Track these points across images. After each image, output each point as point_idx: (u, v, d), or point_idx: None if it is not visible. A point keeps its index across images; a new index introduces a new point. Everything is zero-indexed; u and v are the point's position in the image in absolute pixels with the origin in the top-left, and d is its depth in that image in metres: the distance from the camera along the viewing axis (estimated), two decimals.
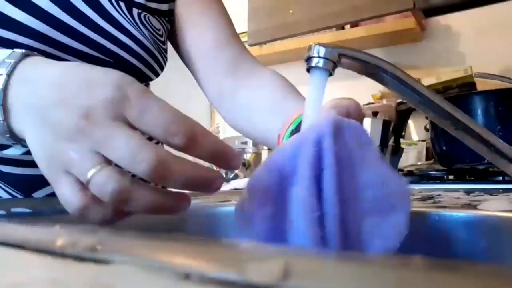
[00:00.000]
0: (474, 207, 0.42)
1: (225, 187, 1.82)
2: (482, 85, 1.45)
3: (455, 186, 0.91)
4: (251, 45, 1.62)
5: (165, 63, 0.66)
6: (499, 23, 1.74)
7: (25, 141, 0.32)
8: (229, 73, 0.66)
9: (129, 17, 0.59)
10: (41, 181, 0.51)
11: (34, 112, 0.30)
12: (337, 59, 0.47)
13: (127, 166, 0.25)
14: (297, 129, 0.48)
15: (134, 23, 0.59)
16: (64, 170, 0.28)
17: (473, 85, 1.46)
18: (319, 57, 0.47)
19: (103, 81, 0.28)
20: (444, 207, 0.43)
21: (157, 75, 0.65)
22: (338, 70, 0.48)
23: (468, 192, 0.61)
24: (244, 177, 1.88)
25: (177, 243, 0.17)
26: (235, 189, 1.75)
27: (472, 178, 1.01)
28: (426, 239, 0.41)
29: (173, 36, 0.68)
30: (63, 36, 0.51)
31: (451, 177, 1.04)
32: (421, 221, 0.41)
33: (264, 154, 1.74)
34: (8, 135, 0.33)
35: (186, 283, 0.14)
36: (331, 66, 0.47)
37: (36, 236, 0.21)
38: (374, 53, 0.49)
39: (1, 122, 0.32)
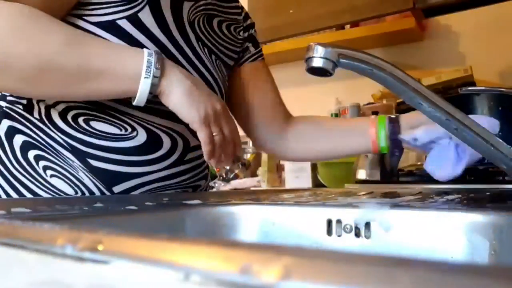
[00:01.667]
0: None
1: (225, 187, 1.82)
2: (482, 85, 1.45)
3: (455, 186, 0.91)
4: None
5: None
6: (499, 23, 1.74)
7: (156, 97, 0.59)
8: (273, 124, 0.87)
9: (210, 59, 0.75)
10: (122, 177, 0.64)
11: (186, 89, 0.59)
12: (337, 59, 0.47)
13: (227, 135, 0.64)
14: (389, 130, 0.74)
15: (213, 64, 0.75)
16: (205, 123, 0.60)
17: (473, 85, 1.46)
18: (319, 57, 0.47)
19: (216, 96, 0.64)
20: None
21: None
22: (338, 70, 0.49)
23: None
24: (244, 177, 1.88)
25: (177, 243, 0.17)
26: (235, 189, 1.75)
27: (472, 178, 1.01)
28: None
29: (233, 87, 0.86)
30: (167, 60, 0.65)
31: None
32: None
33: (264, 154, 1.75)
34: (153, 89, 0.57)
35: (186, 283, 0.14)
36: (331, 66, 0.47)
37: (36, 236, 0.21)
38: (374, 53, 0.49)
39: (157, 78, 0.57)
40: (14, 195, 0.63)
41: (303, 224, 0.46)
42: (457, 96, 0.95)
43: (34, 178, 0.63)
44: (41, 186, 0.63)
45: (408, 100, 0.51)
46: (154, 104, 0.64)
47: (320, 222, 0.45)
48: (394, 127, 0.73)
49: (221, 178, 1.90)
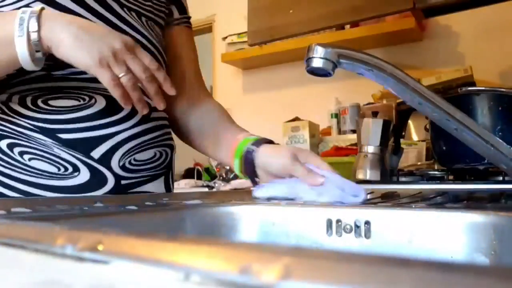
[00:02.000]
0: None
1: (225, 187, 1.82)
2: (482, 85, 1.45)
3: (455, 186, 0.91)
4: (251, 45, 1.63)
5: (166, 62, 0.80)
6: (499, 23, 1.74)
7: (45, 51, 0.56)
8: (183, 97, 0.83)
9: (138, 21, 0.73)
10: (95, 142, 0.66)
11: (73, 33, 0.55)
12: (337, 59, 0.47)
13: (137, 73, 0.58)
14: (242, 157, 0.67)
15: (144, 26, 0.74)
16: (104, 65, 0.55)
17: (473, 85, 1.46)
18: (319, 57, 0.47)
19: (116, 34, 0.59)
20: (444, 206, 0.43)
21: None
22: (338, 70, 0.49)
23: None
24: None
25: (177, 243, 0.17)
26: (235, 189, 1.75)
27: (472, 178, 1.01)
28: None
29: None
30: None
31: (451, 177, 1.04)
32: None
33: None
34: (37, 43, 0.55)
35: (186, 283, 0.14)
36: (331, 66, 0.47)
37: (36, 236, 0.21)
38: (374, 53, 0.49)
39: (37, 33, 0.54)
40: None
41: (303, 224, 0.46)
42: (457, 96, 0.95)
43: (14, 165, 0.64)
44: (23, 171, 0.64)
45: (408, 100, 0.51)
46: None
47: (320, 222, 0.45)
48: (248, 159, 0.67)
49: (221, 178, 1.90)
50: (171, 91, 0.63)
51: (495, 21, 1.74)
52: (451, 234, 0.40)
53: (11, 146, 0.64)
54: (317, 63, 0.47)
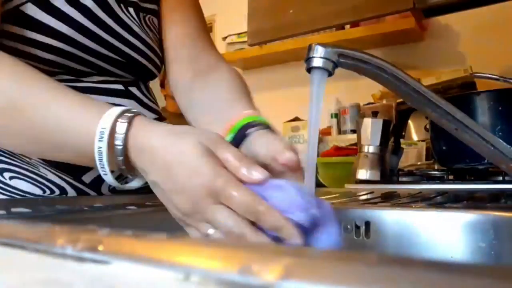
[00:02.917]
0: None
1: None
2: (482, 85, 1.45)
3: (455, 186, 0.91)
4: (251, 45, 1.62)
5: (163, 59, 0.72)
6: (499, 23, 1.74)
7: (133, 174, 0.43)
8: (189, 67, 0.69)
9: (137, 20, 0.66)
10: (85, 166, 0.56)
11: (151, 182, 0.41)
12: (337, 59, 0.47)
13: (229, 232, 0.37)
14: (235, 137, 0.52)
15: (141, 26, 0.67)
16: (188, 224, 0.40)
17: (473, 85, 1.46)
18: (319, 57, 0.47)
19: (201, 170, 0.37)
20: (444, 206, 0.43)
21: (159, 70, 0.71)
22: (338, 70, 0.48)
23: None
24: None
25: (177, 243, 0.17)
26: None
27: (472, 178, 1.01)
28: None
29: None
30: (85, 39, 0.59)
31: (451, 177, 1.04)
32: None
33: None
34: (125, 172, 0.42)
35: (186, 283, 0.14)
36: (331, 66, 0.47)
37: (36, 236, 0.21)
38: (374, 53, 0.49)
39: (121, 159, 0.41)
40: None
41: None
42: (457, 96, 0.95)
43: None
44: (4, 192, 0.57)
45: (408, 100, 0.51)
46: (93, 83, 0.61)
47: None
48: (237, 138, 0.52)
49: None
50: (296, 239, 0.39)
51: (495, 21, 1.74)
52: (451, 234, 0.40)
53: None
54: (317, 62, 0.47)
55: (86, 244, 0.17)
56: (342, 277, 0.13)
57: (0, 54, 0.47)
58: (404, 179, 1.10)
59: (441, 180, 1.05)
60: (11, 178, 0.57)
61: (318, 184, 1.62)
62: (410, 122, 1.56)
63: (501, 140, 0.50)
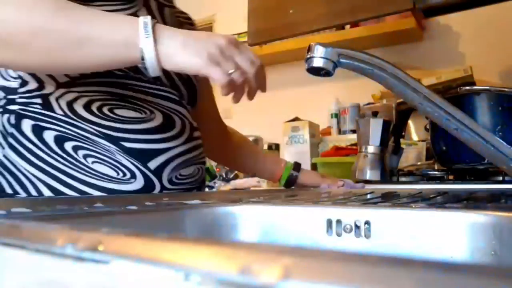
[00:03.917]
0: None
1: (225, 187, 1.82)
2: (482, 85, 1.44)
3: (455, 186, 0.91)
4: (251, 45, 1.62)
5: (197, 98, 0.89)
6: (499, 23, 1.74)
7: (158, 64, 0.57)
8: (215, 138, 1.00)
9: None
10: (152, 154, 0.70)
11: (190, 41, 0.57)
12: (337, 59, 0.47)
13: (246, 68, 0.60)
14: (287, 181, 0.99)
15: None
16: (216, 63, 0.57)
17: (473, 85, 1.46)
18: (319, 57, 0.47)
19: (218, 34, 0.60)
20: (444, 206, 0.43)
21: (197, 97, 0.87)
22: (338, 70, 0.49)
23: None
24: (244, 177, 1.88)
25: (177, 243, 0.17)
26: (235, 189, 1.75)
27: (472, 178, 1.01)
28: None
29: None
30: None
31: (451, 177, 1.04)
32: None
33: None
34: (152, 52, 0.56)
35: (186, 283, 0.14)
36: (331, 66, 0.47)
37: (36, 236, 0.21)
38: (374, 53, 0.49)
39: (153, 51, 0.56)
40: (56, 184, 0.66)
41: (303, 224, 0.46)
42: (457, 96, 0.95)
43: (77, 166, 0.67)
44: (85, 173, 0.67)
45: (408, 100, 0.51)
46: (164, 92, 0.74)
47: (320, 222, 0.45)
48: (291, 181, 0.99)
49: (221, 178, 1.90)
50: (264, 89, 0.67)
51: (495, 21, 1.74)
52: (451, 234, 0.40)
53: (75, 149, 0.67)
54: (317, 62, 0.47)
55: (86, 244, 0.17)
56: (342, 277, 0.13)
57: None
58: (404, 179, 1.10)
59: (441, 180, 1.05)
60: (93, 162, 0.68)
61: None
62: (410, 122, 1.56)
63: (501, 140, 0.50)
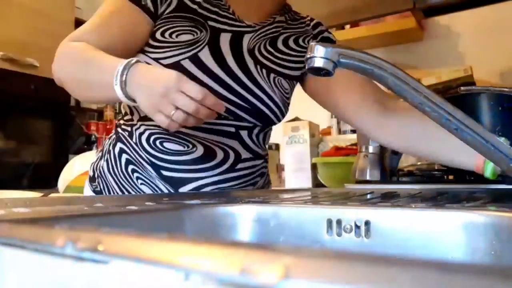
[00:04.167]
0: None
1: None
2: (482, 85, 1.44)
3: (455, 186, 0.91)
4: None
5: (286, 112, 0.92)
6: (499, 23, 1.74)
7: (134, 101, 0.68)
8: (381, 103, 0.88)
9: (266, 79, 0.87)
10: (184, 182, 0.81)
11: (142, 88, 0.66)
12: (337, 59, 0.47)
13: (185, 108, 0.64)
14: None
15: (270, 84, 0.87)
16: (159, 110, 0.65)
17: (473, 85, 1.46)
18: (319, 57, 0.47)
19: (166, 78, 0.65)
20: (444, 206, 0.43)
21: (279, 120, 0.90)
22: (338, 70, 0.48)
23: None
24: None
25: (177, 243, 0.17)
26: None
27: (472, 178, 1.01)
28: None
29: (317, 88, 0.95)
30: (221, 89, 0.81)
31: (451, 177, 1.04)
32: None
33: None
34: (124, 96, 0.68)
35: (186, 283, 0.14)
36: (331, 66, 0.47)
37: (36, 236, 0.21)
38: (374, 53, 0.49)
39: (124, 89, 0.68)
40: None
41: (303, 224, 0.46)
42: (457, 96, 0.95)
43: (131, 185, 0.84)
44: (135, 190, 0.84)
45: (408, 100, 0.51)
46: (210, 125, 0.81)
47: (320, 222, 0.45)
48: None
49: None
50: (220, 109, 0.69)
51: (495, 21, 1.74)
52: (451, 234, 0.39)
53: (133, 171, 0.84)
54: (317, 62, 0.47)
55: (86, 244, 0.17)
56: (342, 277, 0.13)
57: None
58: (404, 179, 1.10)
59: (441, 180, 1.05)
60: (141, 184, 0.84)
61: (318, 184, 1.62)
62: None
63: (501, 140, 0.50)
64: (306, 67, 0.49)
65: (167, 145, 0.82)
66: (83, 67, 0.75)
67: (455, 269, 0.13)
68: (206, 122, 0.79)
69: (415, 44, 1.92)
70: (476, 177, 0.99)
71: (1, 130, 2.11)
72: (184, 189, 0.82)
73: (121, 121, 0.89)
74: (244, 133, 0.86)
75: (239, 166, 0.85)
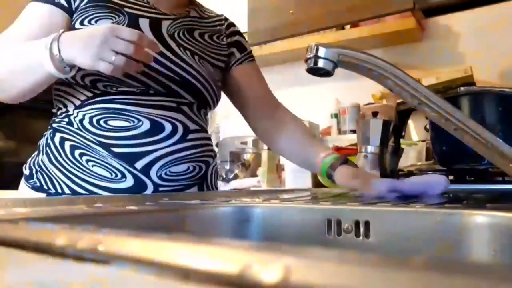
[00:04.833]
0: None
1: (225, 187, 1.82)
2: (482, 85, 1.44)
3: (455, 186, 0.90)
4: (251, 45, 1.63)
5: (219, 94, 0.98)
6: (499, 23, 1.74)
7: (70, 65, 0.75)
8: (271, 117, 1.03)
9: (192, 58, 0.91)
10: (138, 156, 0.83)
11: (79, 45, 0.72)
12: (337, 59, 0.47)
13: (125, 51, 0.70)
14: (327, 172, 0.86)
15: (196, 62, 0.91)
16: (100, 59, 0.70)
17: (473, 85, 1.46)
18: (319, 57, 0.47)
19: (101, 30, 0.71)
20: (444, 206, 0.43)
21: (212, 99, 0.95)
22: (338, 70, 0.49)
23: None
24: (244, 177, 1.88)
25: (177, 243, 0.17)
26: (235, 189, 1.75)
27: (472, 178, 1.01)
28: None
29: (229, 86, 1.04)
30: (154, 64, 0.85)
31: (451, 177, 1.04)
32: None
33: (264, 154, 1.74)
34: (62, 62, 0.74)
35: (186, 283, 0.14)
36: (331, 66, 0.47)
37: (36, 236, 0.21)
38: (374, 53, 0.49)
39: (58, 55, 0.73)
40: (71, 184, 0.84)
41: (303, 224, 0.46)
42: (457, 96, 0.95)
43: (82, 169, 0.84)
44: (88, 174, 0.83)
45: (408, 100, 0.51)
46: (151, 101, 0.85)
47: (320, 222, 0.45)
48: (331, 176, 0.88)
49: (221, 178, 1.90)
50: (155, 49, 0.78)
51: (495, 21, 1.74)
52: (451, 234, 0.40)
53: (81, 155, 0.84)
54: (317, 62, 0.47)
55: (86, 244, 0.17)
56: (342, 277, 0.13)
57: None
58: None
59: None
60: (93, 165, 0.83)
61: (318, 184, 1.62)
62: (410, 122, 1.56)
63: (501, 140, 0.50)
64: (306, 67, 0.49)
65: (112, 122, 0.83)
66: (11, 58, 0.79)
67: (455, 269, 0.13)
68: (147, 99, 0.85)
69: (415, 44, 1.92)
70: (476, 177, 1.00)
71: (1, 130, 2.11)
72: (141, 163, 0.83)
73: (56, 118, 0.90)
74: (185, 108, 0.89)
75: (190, 136, 0.88)
